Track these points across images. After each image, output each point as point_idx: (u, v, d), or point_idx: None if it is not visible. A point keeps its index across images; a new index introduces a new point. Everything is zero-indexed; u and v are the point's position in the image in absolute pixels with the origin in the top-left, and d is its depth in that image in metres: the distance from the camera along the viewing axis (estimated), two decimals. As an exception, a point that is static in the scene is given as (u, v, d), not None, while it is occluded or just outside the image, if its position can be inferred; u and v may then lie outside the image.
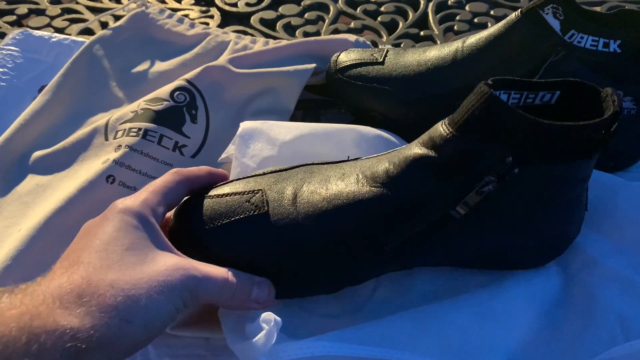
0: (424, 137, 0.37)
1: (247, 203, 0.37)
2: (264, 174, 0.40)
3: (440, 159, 0.35)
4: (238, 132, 0.47)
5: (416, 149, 0.37)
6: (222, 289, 0.34)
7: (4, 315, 0.26)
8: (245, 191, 0.38)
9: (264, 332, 0.33)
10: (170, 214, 0.39)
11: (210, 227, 0.37)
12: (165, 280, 0.31)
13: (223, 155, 0.49)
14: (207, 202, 0.38)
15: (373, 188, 0.37)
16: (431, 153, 0.36)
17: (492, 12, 0.76)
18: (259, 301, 0.35)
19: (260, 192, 0.38)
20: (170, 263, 0.32)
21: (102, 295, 0.28)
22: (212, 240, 0.37)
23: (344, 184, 0.38)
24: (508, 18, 0.49)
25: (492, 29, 0.50)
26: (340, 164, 0.40)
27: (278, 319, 0.34)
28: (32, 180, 0.50)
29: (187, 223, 0.38)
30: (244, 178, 0.40)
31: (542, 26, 0.47)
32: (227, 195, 0.38)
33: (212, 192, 0.39)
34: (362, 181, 0.37)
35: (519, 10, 0.48)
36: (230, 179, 0.42)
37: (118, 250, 0.31)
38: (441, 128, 0.36)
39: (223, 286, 0.34)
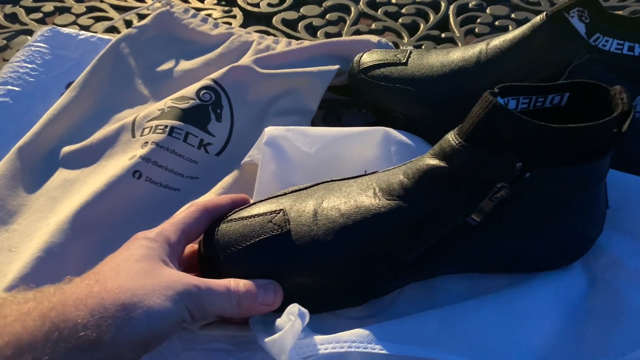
0: (436, 147, 0.38)
1: (269, 223, 0.39)
2: (285, 194, 0.42)
3: (452, 169, 0.36)
4: (264, 140, 0.47)
5: (428, 160, 0.37)
6: (226, 297, 0.36)
7: (31, 310, 0.29)
8: (267, 212, 0.39)
9: (290, 323, 0.34)
10: (196, 243, 0.41)
11: (234, 250, 0.38)
12: (168, 286, 0.34)
13: (246, 159, 0.50)
14: (230, 226, 0.39)
15: (389, 201, 0.37)
16: (442, 164, 0.36)
17: (513, 15, 0.76)
18: (267, 303, 0.37)
19: (282, 211, 0.39)
20: (175, 275, 0.35)
21: (110, 292, 0.32)
22: (237, 262, 0.38)
23: (362, 198, 0.38)
24: (533, 20, 0.49)
25: (517, 31, 0.50)
26: (358, 179, 0.41)
27: (303, 309, 0.35)
28: (60, 175, 0.51)
29: (212, 248, 0.39)
30: (265, 199, 0.41)
31: (567, 29, 0.47)
32: (249, 217, 0.40)
33: (235, 216, 0.40)
34: (378, 195, 0.38)
35: (544, 13, 0.49)
36: (254, 197, 0.43)
37: (128, 263, 0.35)
38: (450, 138, 0.36)
39: (226, 294, 0.36)
